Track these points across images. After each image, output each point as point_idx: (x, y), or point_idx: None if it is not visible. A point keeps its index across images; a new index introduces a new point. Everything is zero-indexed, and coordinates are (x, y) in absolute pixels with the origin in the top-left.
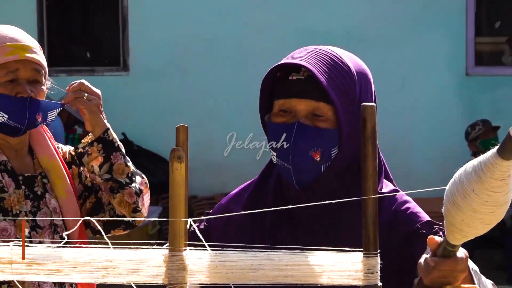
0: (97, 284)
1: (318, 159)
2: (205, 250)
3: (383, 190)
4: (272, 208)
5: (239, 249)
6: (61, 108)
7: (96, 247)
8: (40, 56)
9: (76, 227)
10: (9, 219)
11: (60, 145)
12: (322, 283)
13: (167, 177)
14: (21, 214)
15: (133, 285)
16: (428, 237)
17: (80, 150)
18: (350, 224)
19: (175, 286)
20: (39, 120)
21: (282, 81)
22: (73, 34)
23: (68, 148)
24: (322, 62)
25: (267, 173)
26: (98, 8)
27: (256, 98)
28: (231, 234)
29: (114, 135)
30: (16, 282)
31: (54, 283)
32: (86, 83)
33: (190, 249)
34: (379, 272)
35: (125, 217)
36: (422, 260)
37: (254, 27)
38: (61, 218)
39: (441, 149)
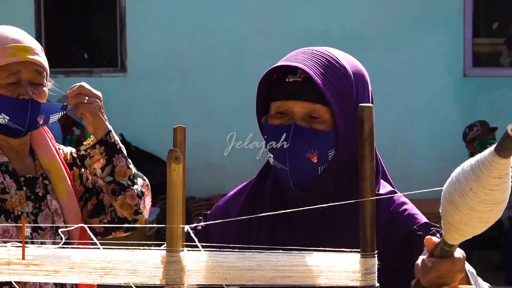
0: (96, 284)
1: (315, 161)
2: (203, 246)
3: (381, 191)
4: (270, 213)
5: (237, 250)
6: (64, 112)
7: (93, 248)
8: (42, 58)
9: (71, 228)
10: (10, 225)
11: (61, 146)
12: (319, 283)
13: (165, 178)
14: (23, 215)
15: (132, 285)
16: (426, 237)
17: (82, 152)
18: (348, 225)
19: (173, 287)
20: (41, 122)
21: (279, 83)
22: (71, 35)
23: (69, 150)
24: (318, 63)
25: (264, 174)
26: (96, 9)
27: (255, 98)
28: (230, 234)
29: (116, 137)
30: (14, 283)
31: (55, 284)
32: (86, 85)
33: (187, 250)
34: (376, 272)
35: (127, 219)
36: (419, 261)
37: (252, 28)
38: (59, 225)
39: (439, 150)
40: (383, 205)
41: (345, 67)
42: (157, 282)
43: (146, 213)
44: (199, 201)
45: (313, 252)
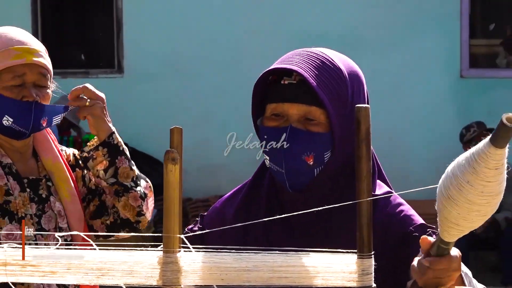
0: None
1: (311, 163)
2: (199, 251)
3: (377, 192)
4: (267, 219)
5: (234, 251)
6: (66, 112)
7: (90, 249)
8: (46, 60)
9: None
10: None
11: (64, 147)
12: (316, 284)
13: (162, 179)
14: (26, 217)
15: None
16: (421, 237)
17: (85, 154)
18: (345, 226)
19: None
20: (44, 124)
21: (274, 85)
22: (68, 36)
23: (71, 151)
24: (313, 65)
25: (260, 175)
26: (93, 10)
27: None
28: (227, 235)
29: (119, 139)
30: (11, 284)
31: (58, 285)
32: (90, 87)
33: (184, 251)
34: (373, 273)
35: (129, 220)
36: (415, 262)
37: (249, 29)
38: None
39: (436, 151)
40: (380, 205)
41: (340, 69)
42: (154, 283)
43: (148, 215)
44: (196, 202)
45: (310, 252)
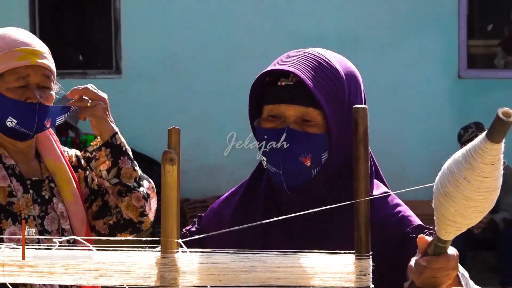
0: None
1: (309, 164)
2: (197, 252)
3: (374, 192)
4: (265, 221)
5: (232, 251)
6: (68, 113)
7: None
8: (50, 61)
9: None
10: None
11: (66, 148)
12: (314, 285)
13: (160, 180)
14: (30, 218)
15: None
16: (418, 236)
17: (88, 154)
18: (342, 227)
19: None
20: (48, 125)
21: (271, 87)
22: (66, 37)
23: (73, 152)
24: (310, 67)
25: (258, 176)
26: (91, 11)
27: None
28: (224, 237)
29: (122, 139)
30: (9, 285)
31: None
32: (91, 87)
33: (182, 251)
34: (371, 274)
35: (132, 220)
36: (412, 262)
37: (246, 30)
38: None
39: (434, 152)
40: (377, 206)
41: (337, 69)
42: (152, 283)
43: (151, 215)
44: (193, 203)
45: (308, 253)
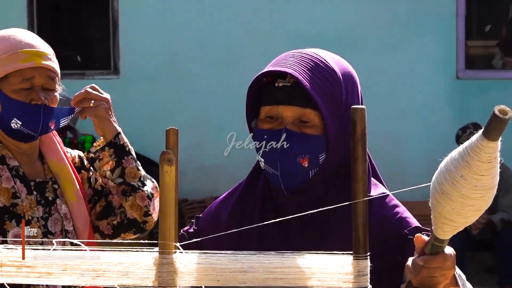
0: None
1: (306, 165)
2: (195, 252)
3: (372, 193)
4: (263, 223)
5: (230, 252)
6: (73, 115)
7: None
8: (54, 63)
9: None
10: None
11: (69, 149)
12: (312, 285)
13: (158, 180)
14: (33, 220)
15: None
16: (416, 235)
17: (92, 155)
18: (340, 228)
19: None
20: (52, 127)
21: (268, 88)
22: (64, 37)
23: (76, 153)
24: (307, 67)
25: (255, 176)
26: (89, 11)
27: None
28: (221, 238)
29: (125, 139)
30: (7, 285)
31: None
32: (93, 89)
33: (180, 252)
34: (369, 274)
35: (136, 220)
36: (409, 262)
37: (245, 30)
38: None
39: (432, 152)
40: (374, 206)
41: (334, 70)
42: (150, 284)
43: (155, 215)
44: (192, 203)
45: (306, 254)
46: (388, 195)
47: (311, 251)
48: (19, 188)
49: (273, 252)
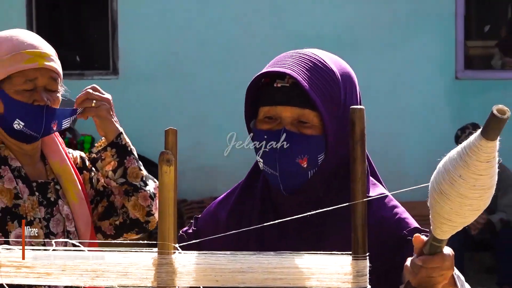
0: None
1: (305, 165)
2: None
3: (371, 193)
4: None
5: (228, 252)
6: (75, 115)
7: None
8: (57, 64)
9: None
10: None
11: (71, 150)
12: (311, 286)
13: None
14: (35, 220)
15: None
16: (414, 235)
17: (94, 155)
18: (339, 228)
19: None
20: (54, 128)
21: (267, 88)
22: (63, 38)
23: (78, 154)
24: (306, 68)
25: (253, 177)
26: (88, 12)
27: None
28: (220, 238)
29: (127, 139)
30: (6, 286)
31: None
32: (95, 89)
33: (179, 252)
34: (368, 275)
35: (139, 220)
36: (408, 262)
37: (244, 31)
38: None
39: (431, 153)
40: (373, 207)
41: (332, 70)
42: (149, 284)
43: (157, 215)
44: (191, 204)
45: (305, 254)
46: (387, 196)
47: (310, 251)
48: (21, 189)
49: (272, 253)
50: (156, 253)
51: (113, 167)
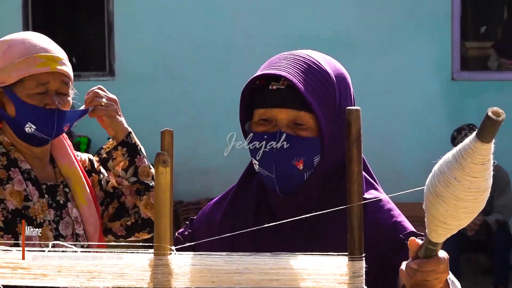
0: None
1: (301, 167)
2: (190, 254)
3: (366, 196)
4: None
5: (225, 253)
6: (85, 115)
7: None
8: (68, 67)
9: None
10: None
11: (79, 153)
12: (307, 287)
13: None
14: (45, 223)
15: None
16: (409, 239)
17: (104, 155)
18: (335, 229)
19: None
20: (65, 130)
21: (262, 90)
22: (59, 39)
23: (86, 156)
24: (301, 70)
25: (248, 178)
26: (84, 13)
27: None
28: (215, 240)
29: (136, 139)
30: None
31: None
32: (101, 90)
33: (175, 253)
34: (364, 275)
35: (150, 220)
36: (403, 266)
37: (241, 31)
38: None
39: (427, 154)
40: (369, 209)
41: (327, 72)
42: (145, 285)
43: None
44: (187, 205)
45: (301, 255)
46: (383, 197)
47: (306, 252)
48: (31, 191)
49: (268, 254)
50: (152, 254)
51: (124, 166)
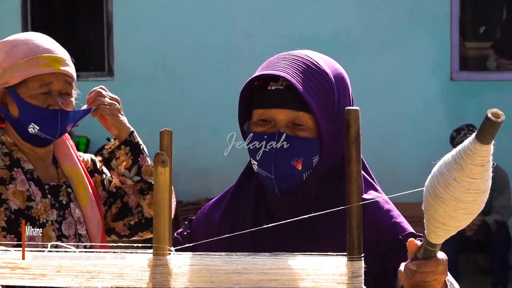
0: None
1: (300, 168)
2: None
3: (365, 196)
4: (257, 228)
5: (224, 253)
6: (87, 115)
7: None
8: (71, 68)
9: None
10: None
11: (81, 153)
12: (306, 287)
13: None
14: (48, 223)
15: None
16: (408, 240)
17: (107, 155)
18: (334, 230)
19: None
20: (68, 130)
21: (261, 91)
22: (58, 39)
23: (89, 157)
24: (299, 70)
25: (247, 178)
26: (83, 14)
27: None
28: (214, 240)
29: (138, 138)
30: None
31: None
32: (103, 89)
33: (174, 254)
34: (363, 276)
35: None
36: (402, 267)
37: (241, 31)
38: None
39: (427, 154)
40: (368, 210)
41: (326, 72)
42: (144, 285)
43: (172, 213)
44: (186, 205)
45: (300, 255)
46: (382, 197)
47: (305, 252)
48: (34, 191)
49: (267, 254)
50: (151, 254)
51: (128, 165)
